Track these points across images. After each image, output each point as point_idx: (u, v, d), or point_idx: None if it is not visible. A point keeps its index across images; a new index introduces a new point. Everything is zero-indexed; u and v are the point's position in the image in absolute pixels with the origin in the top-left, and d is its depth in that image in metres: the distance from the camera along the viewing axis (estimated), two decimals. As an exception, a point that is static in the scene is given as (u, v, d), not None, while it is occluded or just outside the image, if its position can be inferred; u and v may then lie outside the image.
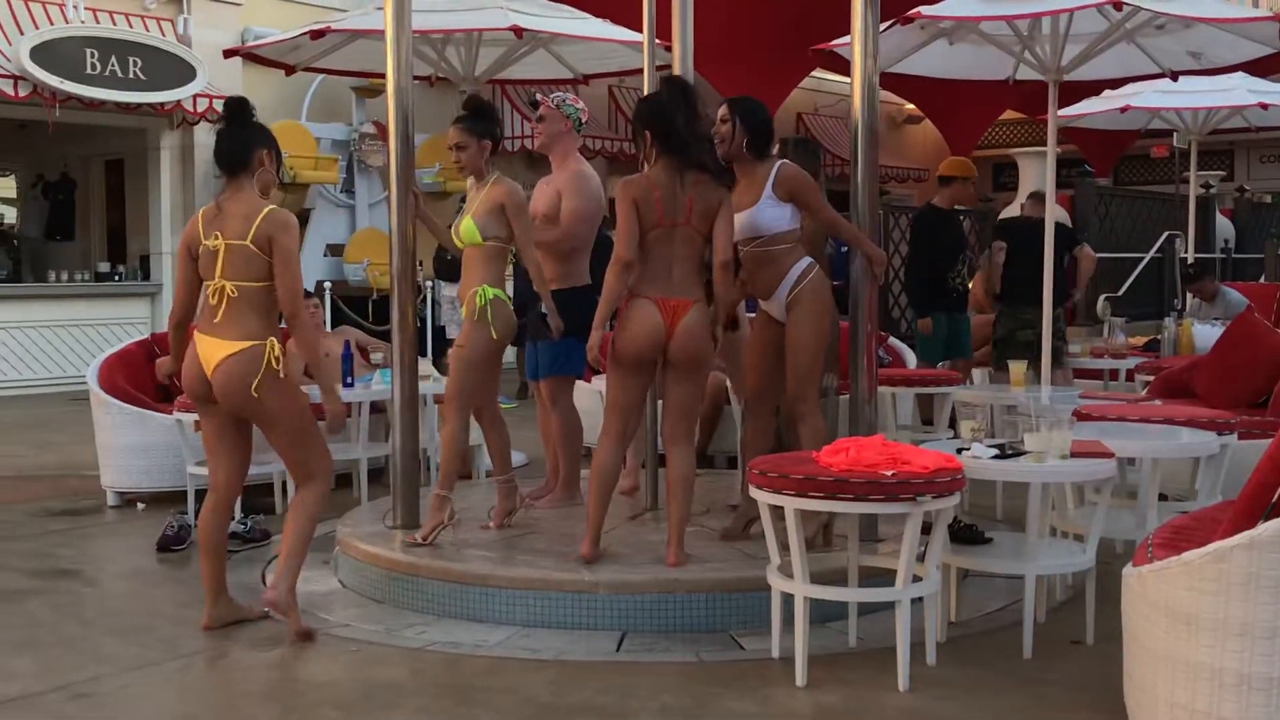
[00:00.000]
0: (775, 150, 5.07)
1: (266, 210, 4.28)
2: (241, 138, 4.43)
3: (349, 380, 6.87)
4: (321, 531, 6.15)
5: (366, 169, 14.22)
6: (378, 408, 7.11)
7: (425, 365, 6.97)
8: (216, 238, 4.31)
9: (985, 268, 8.99)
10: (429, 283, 13.41)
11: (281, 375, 4.32)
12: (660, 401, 5.35)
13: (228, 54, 9.16)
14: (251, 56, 8.90)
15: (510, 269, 10.57)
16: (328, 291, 12.02)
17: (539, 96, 5.91)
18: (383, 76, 5.42)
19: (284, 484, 6.59)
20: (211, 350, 4.32)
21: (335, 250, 13.97)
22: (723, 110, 4.95)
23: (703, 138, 4.69)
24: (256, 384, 4.27)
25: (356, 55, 8.59)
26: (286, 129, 13.42)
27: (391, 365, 5.48)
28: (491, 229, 5.08)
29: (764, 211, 4.85)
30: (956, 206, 8.54)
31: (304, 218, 14.08)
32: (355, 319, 12.55)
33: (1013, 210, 13.55)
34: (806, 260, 4.90)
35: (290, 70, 8.86)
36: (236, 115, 4.47)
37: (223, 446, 4.56)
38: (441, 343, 12.15)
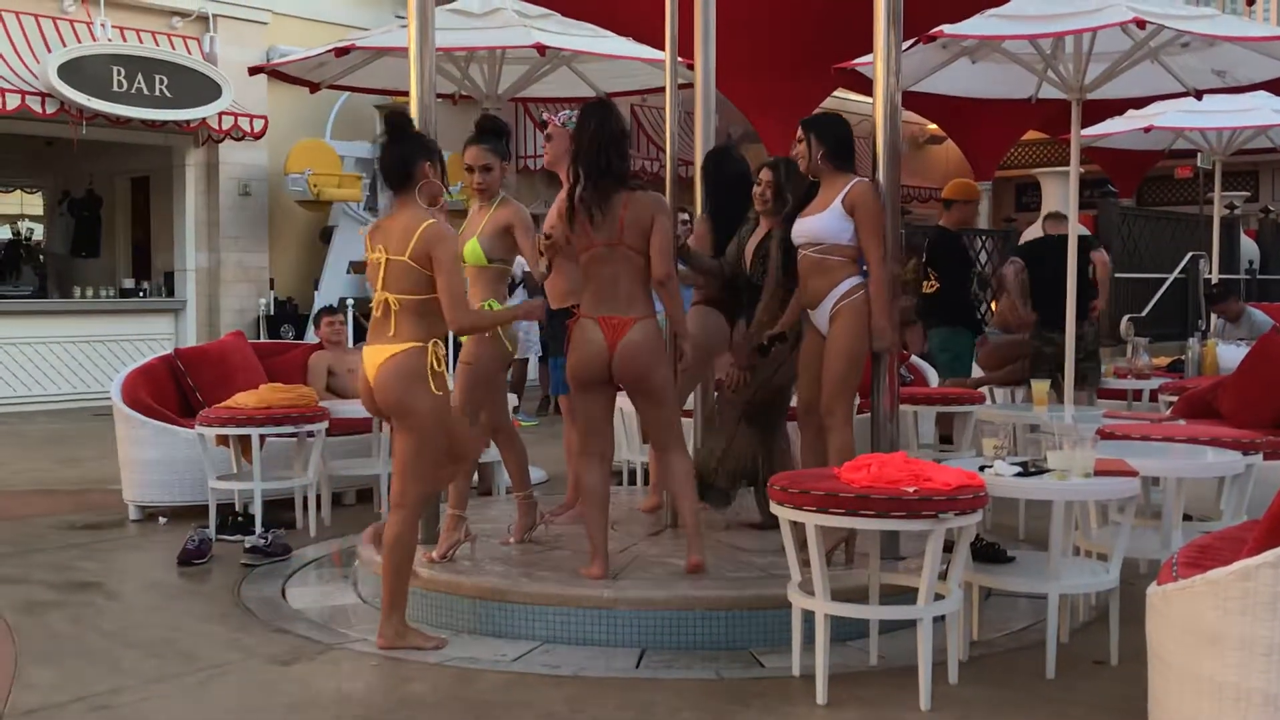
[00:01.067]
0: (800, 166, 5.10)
1: (424, 225, 4.30)
2: (400, 152, 4.42)
3: (370, 396, 6.87)
4: (342, 546, 6.18)
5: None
6: (399, 423, 7.11)
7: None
8: (380, 251, 4.37)
9: (1008, 286, 8.95)
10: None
11: (433, 386, 4.31)
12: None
13: (253, 71, 9.22)
14: (276, 74, 8.96)
15: (520, 286, 10.65)
16: (350, 308, 12.05)
17: (545, 116, 5.93)
18: (406, 94, 5.43)
19: (304, 499, 6.61)
20: (374, 355, 4.38)
21: (358, 268, 14.00)
22: (797, 134, 5.03)
23: (625, 157, 4.70)
24: (410, 383, 4.29)
25: (380, 73, 8.64)
26: (310, 147, 13.53)
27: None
28: (498, 251, 5.08)
29: (826, 220, 4.90)
30: (963, 228, 8.63)
31: (327, 235, 14.17)
32: (377, 336, 12.57)
33: (1035, 231, 13.54)
34: (858, 279, 4.91)
35: (315, 88, 8.91)
36: (396, 131, 4.48)
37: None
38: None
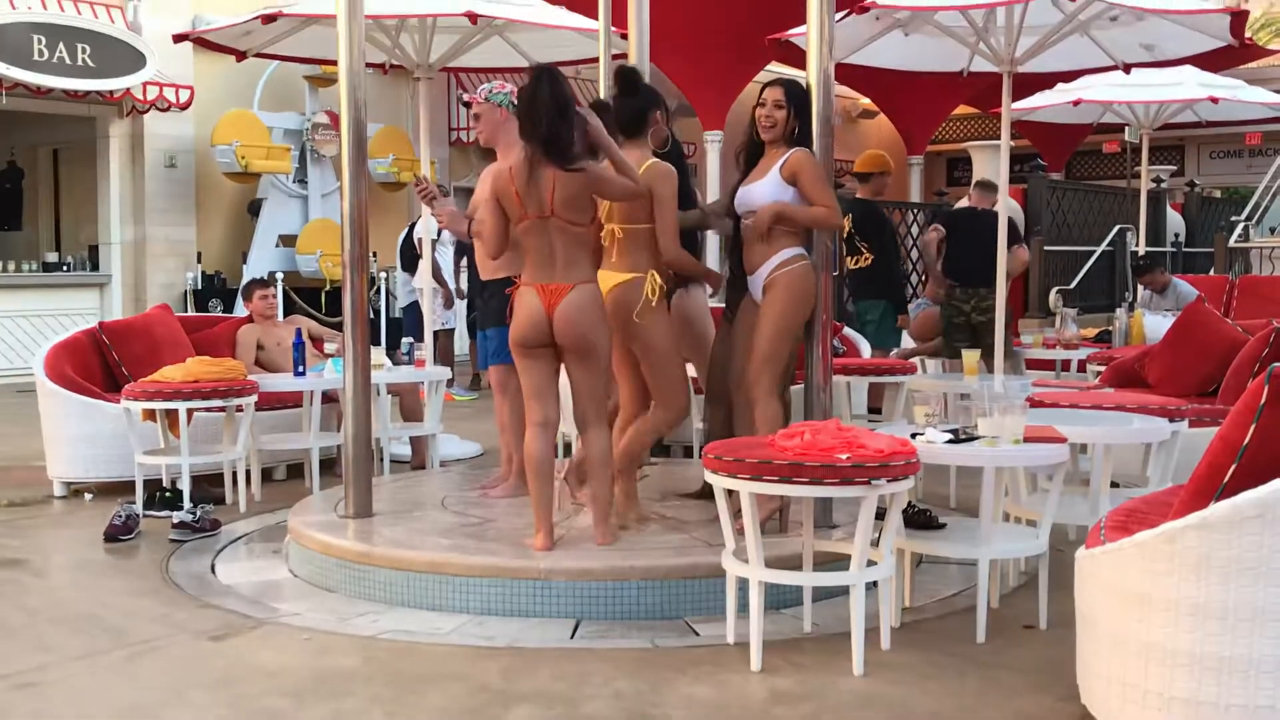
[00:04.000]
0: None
1: (649, 163, 4.93)
2: (636, 104, 5.07)
3: (300, 369, 6.82)
4: (273, 521, 6.13)
5: (320, 159, 14.12)
6: (330, 397, 7.07)
7: (378, 355, 6.93)
8: None
9: (925, 253, 9.07)
10: (383, 273, 13.35)
11: (654, 305, 4.92)
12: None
13: (177, 39, 9.02)
14: (202, 42, 8.77)
15: (465, 261, 10.61)
16: (280, 282, 11.92)
17: (466, 97, 5.85)
18: (335, 63, 5.35)
19: (234, 474, 6.53)
20: (603, 280, 4.85)
21: (288, 241, 13.86)
22: (776, 93, 4.94)
23: (568, 128, 4.56)
24: (639, 310, 4.89)
25: (309, 41, 8.49)
26: (238, 118, 13.33)
27: (344, 355, 5.42)
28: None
29: (764, 189, 4.91)
30: (880, 200, 8.78)
31: (256, 208, 13.98)
32: (308, 310, 12.45)
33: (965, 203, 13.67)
34: (797, 250, 4.90)
35: (241, 56, 8.74)
36: (629, 84, 5.13)
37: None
38: (395, 332, 12.08)
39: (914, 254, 13.60)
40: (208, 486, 6.62)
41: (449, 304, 10.83)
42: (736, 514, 4.10)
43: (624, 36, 6.64)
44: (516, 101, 5.71)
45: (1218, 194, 20.96)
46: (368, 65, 5.59)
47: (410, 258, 10.81)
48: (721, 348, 5.29)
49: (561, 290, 4.63)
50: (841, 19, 6.83)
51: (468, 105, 5.70)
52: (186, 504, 6.09)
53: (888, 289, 8.57)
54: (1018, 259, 8.48)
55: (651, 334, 4.95)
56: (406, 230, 11.20)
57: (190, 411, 6.32)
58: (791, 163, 4.88)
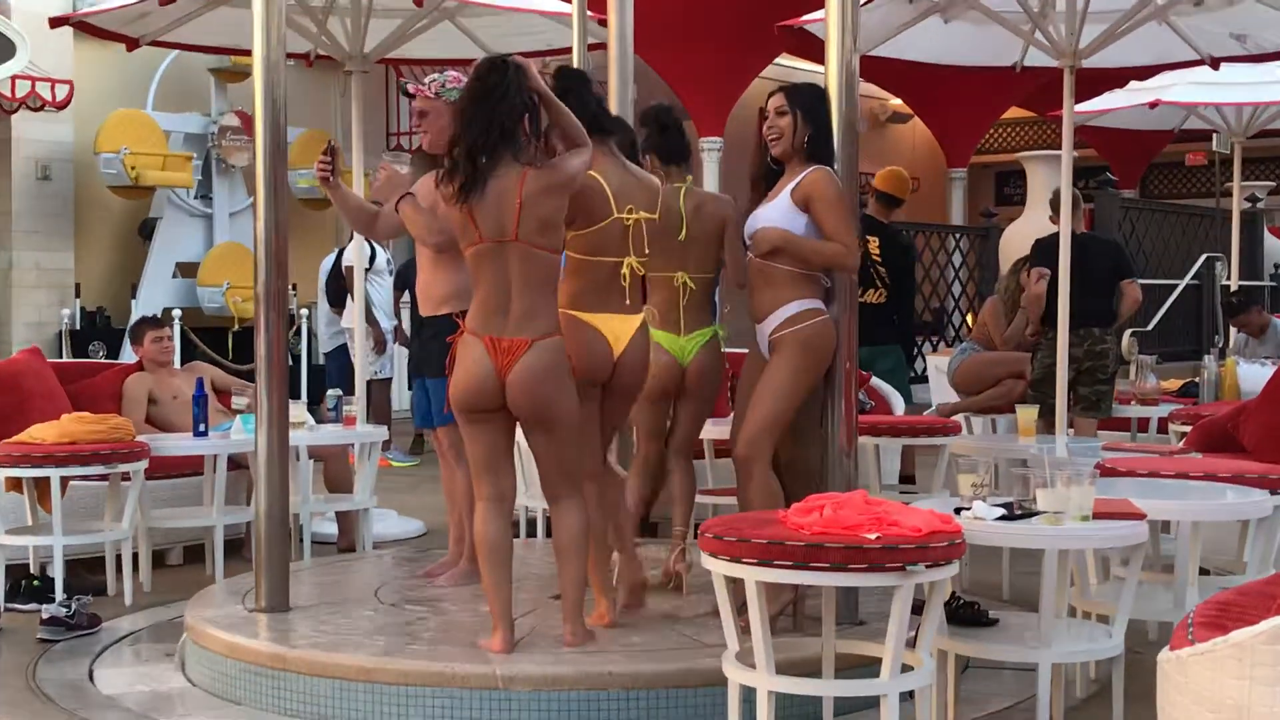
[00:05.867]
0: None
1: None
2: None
3: (201, 428, 6.81)
4: (166, 617, 6.09)
5: (228, 169, 14.15)
6: (238, 463, 7.04)
7: (298, 410, 6.93)
8: (630, 211, 4.88)
9: (1002, 295, 9.08)
10: (304, 310, 13.35)
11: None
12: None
13: (54, 23, 9.08)
14: (84, 27, 8.82)
15: (405, 294, 10.60)
16: (177, 321, 11.90)
17: (410, 87, 5.70)
18: (248, 54, 5.39)
19: (118, 557, 6.50)
20: (623, 327, 4.90)
21: (187, 270, 13.86)
22: (778, 100, 5.02)
23: (519, 123, 4.60)
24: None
25: (216, 26, 8.54)
26: (127, 120, 13.37)
27: (256, 411, 5.42)
28: None
29: (769, 215, 4.94)
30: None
31: (149, 229, 13.99)
32: (212, 355, 12.43)
33: (1025, 228, 13.75)
34: (810, 302, 4.93)
35: (133, 45, 8.78)
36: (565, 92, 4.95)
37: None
38: (318, 383, 12.04)
39: (955, 287, 13.68)
40: (85, 574, 6.57)
41: (381, 348, 10.77)
42: (741, 608, 4.09)
43: (603, 23, 6.70)
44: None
45: (1326, 216, 21.15)
46: (288, 56, 5.62)
47: (337, 291, 10.80)
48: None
49: (518, 346, 4.57)
50: (868, 2, 6.90)
51: (411, 96, 5.65)
52: (59, 595, 6.05)
53: (903, 332, 8.53)
54: (1130, 297, 8.27)
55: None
56: (333, 257, 11.20)
57: (65, 480, 6.28)
58: (806, 184, 4.91)
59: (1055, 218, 7.90)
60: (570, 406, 4.69)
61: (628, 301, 4.90)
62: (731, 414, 5.40)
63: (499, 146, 4.56)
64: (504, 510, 4.74)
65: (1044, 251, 7.85)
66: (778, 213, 4.94)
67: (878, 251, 8.35)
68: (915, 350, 8.81)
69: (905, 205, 8.77)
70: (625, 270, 4.87)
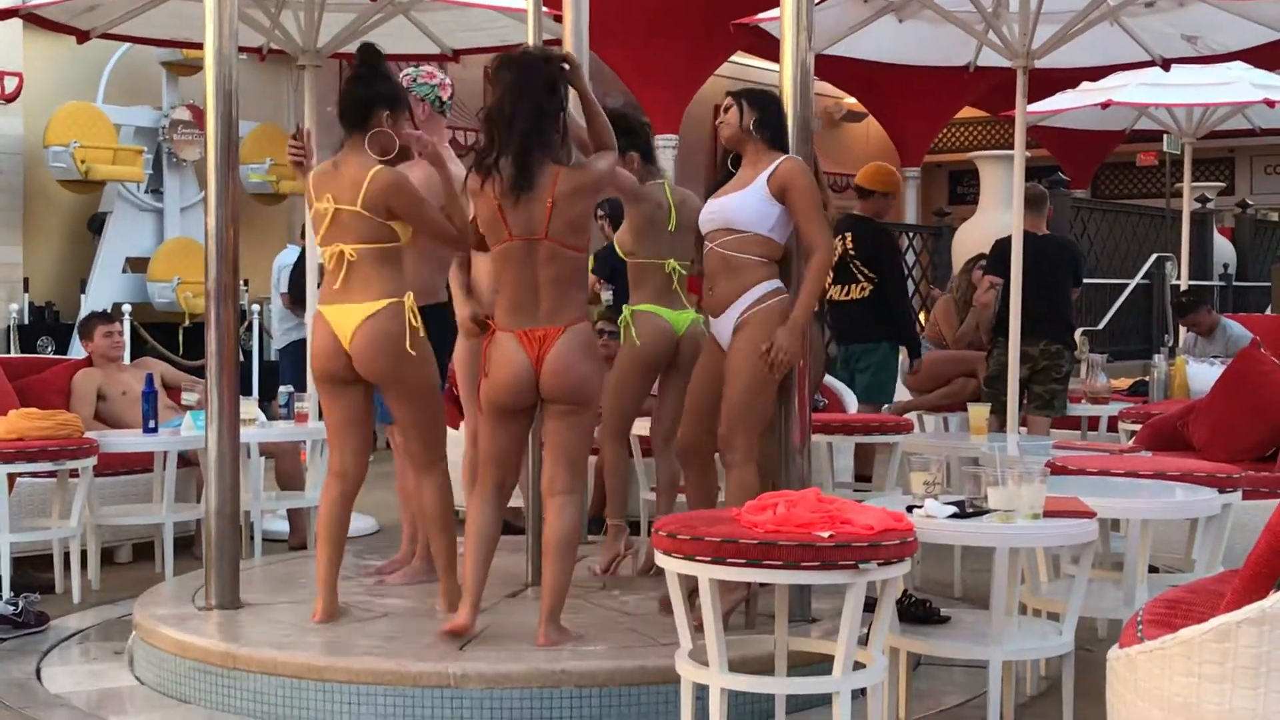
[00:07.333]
0: None
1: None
2: (362, 94, 5.04)
3: (151, 424, 6.76)
4: (114, 615, 6.05)
5: (179, 164, 14.04)
6: (188, 459, 6.99)
7: (249, 407, 6.89)
8: None
9: (954, 294, 9.10)
10: (255, 305, 13.27)
11: (422, 334, 4.90)
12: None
13: (3, 15, 8.99)
14: (33, 18, 8.74)
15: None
16: (127, 316, 11.81)
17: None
18: (200, 47, 5.35)
19: (65, 555, 6.45)
20: (345, 317, 4.86)
21: (138, 265, 13.75)
22: (726, 101, 5.09)
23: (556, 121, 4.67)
24: (410, 341, 4.84)
25: (167, 19, 8.48)
26: (78, 113, 13.22)
27: (206, 407, 5.39)
28: None
29: (744, 200, 4.92)
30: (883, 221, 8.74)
31: (99, 224, 13.87)
32: (162, 351, 12.34)
33: (978, 227, 13.83)
34: (776, 283, 4.93)
35: (84, 37, 8.70)
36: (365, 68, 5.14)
37: (352, 429, 5.01)
38: (271, 380, 11.96)
39: (908, 286, 13.70)
40: (33, 571, 6.53)
41: None
42: (694, 602, 4.09)
43: (558, 19, 6.68)
44: (446, 98, 5.74)
45: (1275, 217, 21.35)
46: (241, 49, 5.58)
47: (301, 289, 10.68)
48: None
49: (551, 334, 4.64)
50: (823, 1, 6.92)
51: None
52: (6, 593, 6.01)
53: (892, 328, 8.34)
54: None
55: (417, 369, 5.03)
56: (294, 253, 11.09)
57: (11, 477, 6.26)
58: (782, 173, 4.89)
59: (1032, 218, 7.94)
60: (597, 393, 4.84)
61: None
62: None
63: (540, 144, 4.61)
64: (500, 498, 4.83)
65: (1005, 252, 7.79)
66: (753, 198, 4.91)
67: (852, 246, 8.13)
68: (919, 347, 8.52)
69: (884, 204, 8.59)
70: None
